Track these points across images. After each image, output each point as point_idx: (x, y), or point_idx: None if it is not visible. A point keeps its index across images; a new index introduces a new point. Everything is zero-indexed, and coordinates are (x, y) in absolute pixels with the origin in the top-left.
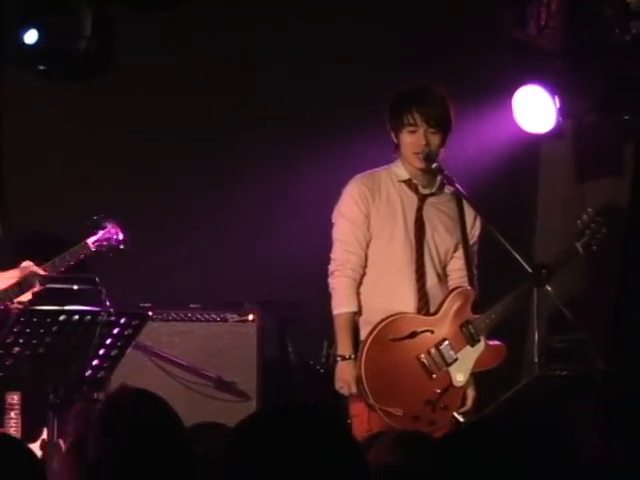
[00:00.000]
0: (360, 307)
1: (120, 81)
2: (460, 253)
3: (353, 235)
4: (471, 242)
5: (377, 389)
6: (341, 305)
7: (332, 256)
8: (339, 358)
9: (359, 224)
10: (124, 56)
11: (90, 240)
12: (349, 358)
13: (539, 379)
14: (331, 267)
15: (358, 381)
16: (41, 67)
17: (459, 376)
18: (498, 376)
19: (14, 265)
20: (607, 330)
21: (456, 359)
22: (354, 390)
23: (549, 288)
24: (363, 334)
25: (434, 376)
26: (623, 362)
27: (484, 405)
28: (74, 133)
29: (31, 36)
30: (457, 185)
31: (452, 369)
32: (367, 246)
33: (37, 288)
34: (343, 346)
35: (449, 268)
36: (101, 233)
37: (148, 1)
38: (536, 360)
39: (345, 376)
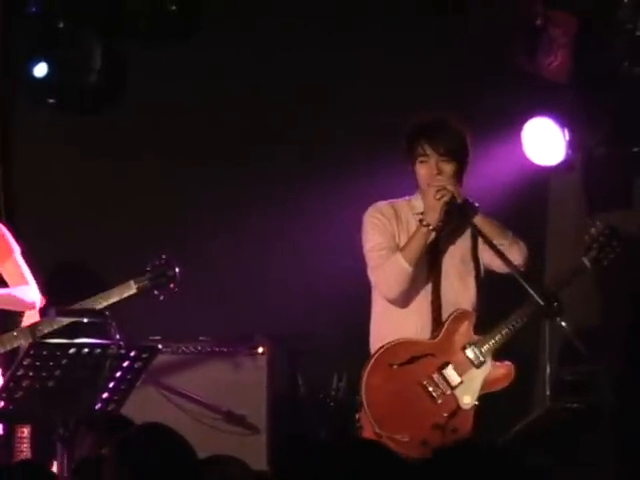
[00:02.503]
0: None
1: (130, 114)
2: (472, 284)
3: (384, 239)
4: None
5: (381, 417)
6: (395, 257)
7: (369, 262)
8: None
9: (387, 234)
10: (134, 89)
11: (134, 280)
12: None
13: (550, 412)
14: (371, 263)
15: (362, 410)
16: (51, 100)
17: (466, 398)
18: (509, 409)
19: None
20: (618, 362)
21: (461, 382)
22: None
23: (563, 324)
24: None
25: (439, 401)
26: (634, 394)
27: (496, 438)
28: (84, 165)
29: (41, 69)
30: (470, 219)
31: (458, 392)
32: None
33: (50, 316)
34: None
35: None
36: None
37: (158, 33)
38: (547, 393)
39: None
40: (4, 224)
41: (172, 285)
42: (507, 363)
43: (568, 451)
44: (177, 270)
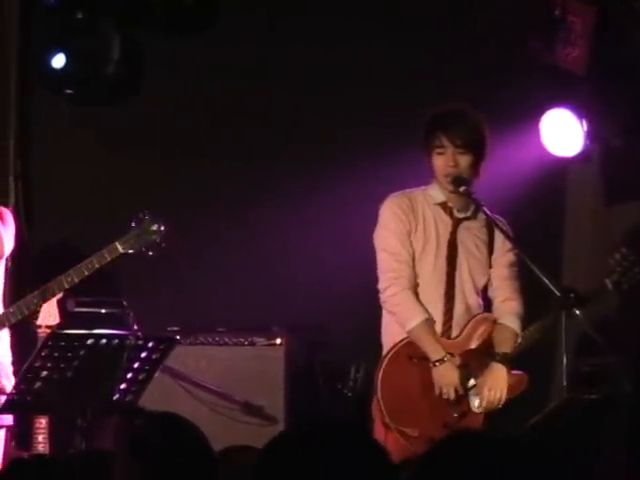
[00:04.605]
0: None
1: (148, 104)
2: (484, 278)
3: (401, 245)
4: (504, 265)
5: (393, 408)
6: (412, 317)
7: (381, 270)
8: (437, 363)
9: (404, 237)
10: (152, 80)
11: (118, 241)
12: (445, 360)
13: (568, 402)
14: (384, 282)
15: (376, 399)
16: (69, 91)
17: (477, 402)
18: (527, 400)
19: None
20: (635, 353)
21: (475, 385)
22: (460, 391)
23: (577, 312)
24: (385, 351)
25: (452, 401)
26: None
27: (513, 429)
28: (102, 156)
29: (59, 60)
30: (485, 209)
31: (470, 394)
32: (413, 259)
33: (69, 307)
34: (434, 350)
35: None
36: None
37: (176, 25)
38: (565, 384)
39: (448, 378)
40: (14, 213)
41: (158, 239)
42: (521, 373)
43: (585, 442)
44: (162, 225)
